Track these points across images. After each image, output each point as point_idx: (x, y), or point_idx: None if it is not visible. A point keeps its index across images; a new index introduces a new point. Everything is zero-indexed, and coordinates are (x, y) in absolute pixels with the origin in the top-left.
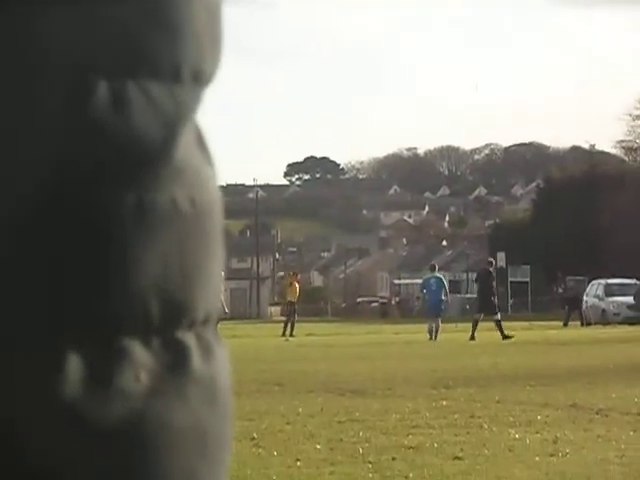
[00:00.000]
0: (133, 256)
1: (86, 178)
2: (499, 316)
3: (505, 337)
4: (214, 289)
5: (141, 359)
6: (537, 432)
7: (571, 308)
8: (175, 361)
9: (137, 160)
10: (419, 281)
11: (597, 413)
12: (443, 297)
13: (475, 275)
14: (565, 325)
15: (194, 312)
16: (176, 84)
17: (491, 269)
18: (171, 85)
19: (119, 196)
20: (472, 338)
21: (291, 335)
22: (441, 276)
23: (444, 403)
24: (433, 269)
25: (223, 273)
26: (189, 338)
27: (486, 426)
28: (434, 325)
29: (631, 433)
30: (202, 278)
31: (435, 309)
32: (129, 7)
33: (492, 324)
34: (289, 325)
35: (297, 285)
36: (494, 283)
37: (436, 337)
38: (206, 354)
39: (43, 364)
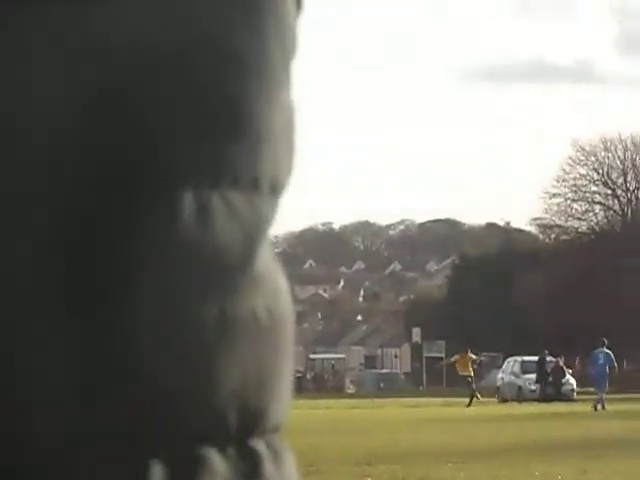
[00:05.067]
0: (216, 367)
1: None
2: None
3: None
4: (285, 398)
5: (218, 468)
6: None
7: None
8: (249, 470)
9: (220, 272)
10: (334, 355)
11: None
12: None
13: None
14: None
15: (267, 421)
16: (255, 194)
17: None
18: (251, 195)
19: (204, 308)
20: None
21: None
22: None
23: None
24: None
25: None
26: (261, 446)
27: None
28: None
29: None
30: (276, 388)
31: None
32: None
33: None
34: None
35: None
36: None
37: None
38: (276, 462)
39: (126, 474)
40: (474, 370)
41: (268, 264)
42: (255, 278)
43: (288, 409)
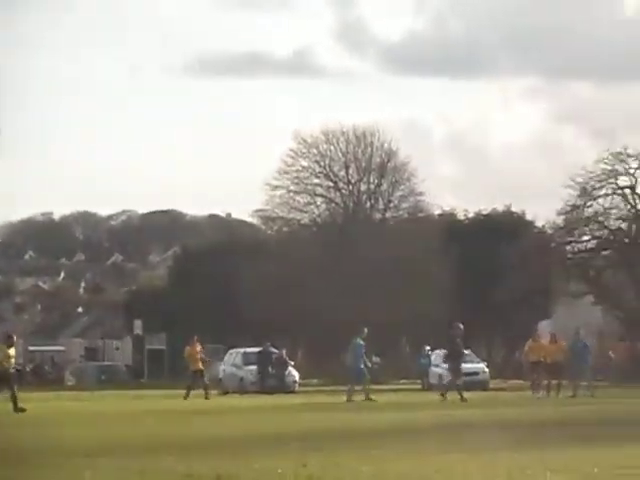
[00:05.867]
0: None
1: None
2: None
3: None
4: None
5: None
6: None
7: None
8: None
9: None
10: (54, 348)
11: None
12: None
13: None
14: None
15: None
16: None
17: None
18: None
19: None
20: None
21: None
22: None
23: (88, 473)
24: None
25: None
26: None
27: None
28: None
29: None
30: None
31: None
32: None
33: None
34: None
35: None
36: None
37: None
38: None
39: None
40: (203, 361)
41: None
42: None
43: None
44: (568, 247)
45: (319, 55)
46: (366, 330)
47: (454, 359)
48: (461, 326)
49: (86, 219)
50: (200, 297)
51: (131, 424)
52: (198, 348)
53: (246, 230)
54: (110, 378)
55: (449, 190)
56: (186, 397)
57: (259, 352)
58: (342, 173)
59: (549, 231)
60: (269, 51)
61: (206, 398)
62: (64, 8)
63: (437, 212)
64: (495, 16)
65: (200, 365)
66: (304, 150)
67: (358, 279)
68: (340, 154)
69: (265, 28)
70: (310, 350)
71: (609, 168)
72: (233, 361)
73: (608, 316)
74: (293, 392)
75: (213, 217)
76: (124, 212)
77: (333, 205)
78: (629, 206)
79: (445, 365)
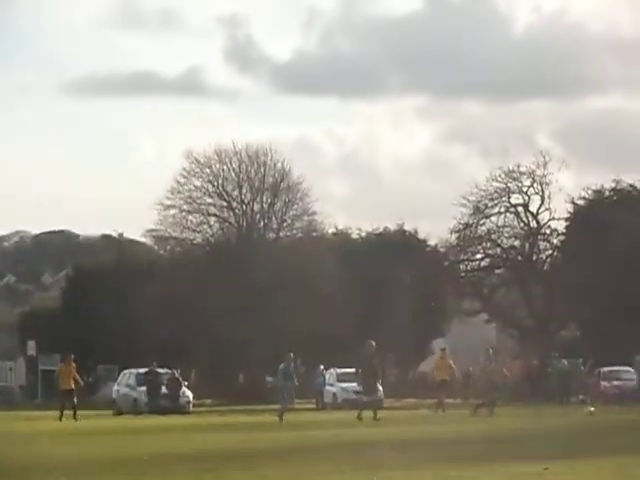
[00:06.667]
0: None
1: None
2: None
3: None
4: None
5: None
6: None
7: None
8: None
9: None
10: None
11: None
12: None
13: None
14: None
15: None
16: None
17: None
18: None
19: None
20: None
21: None
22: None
23: None
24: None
25: None
26: None
27: None
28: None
29: None
30: None
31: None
32: None
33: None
34: None
35: None
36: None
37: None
38: None
39: None
40: (75, 381)
41: None
42: None
43: None
44: (461, 265)
45: (209, 74)
46: (292, 355)
47: (368, 377)
48: (374, 344)
49: None
50: (93, 318)
51: (25, 445)
52: (72, 367)
53: (139, 250)
54: (3, 399)
55: (342, 209)
56: (60, 418)
57: (145, 373)
58: (235, 193)
59: (442, 249)
60: (158, 71)
61: (74, 418)
62: None
63: (331, 231)
64: (384, 35)
65: (71, 384)
66: (197, 170)
67: (252, 299)
68: (233, 174)
69: (154, 48)
70: (204, 370)
71: (502, 186)
72: (127, 382)
73: (502, 334)
74: (187, 412)
75: (106, 237)
76: (17, 233)
77: (227, 225)
78: (522, 224)
79: (342, 384)
